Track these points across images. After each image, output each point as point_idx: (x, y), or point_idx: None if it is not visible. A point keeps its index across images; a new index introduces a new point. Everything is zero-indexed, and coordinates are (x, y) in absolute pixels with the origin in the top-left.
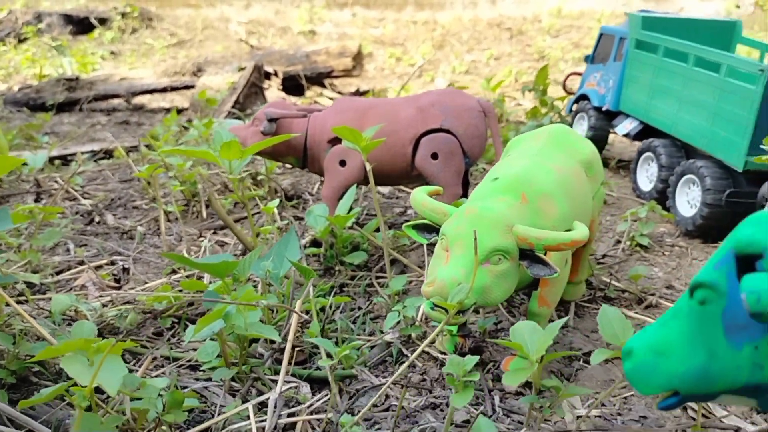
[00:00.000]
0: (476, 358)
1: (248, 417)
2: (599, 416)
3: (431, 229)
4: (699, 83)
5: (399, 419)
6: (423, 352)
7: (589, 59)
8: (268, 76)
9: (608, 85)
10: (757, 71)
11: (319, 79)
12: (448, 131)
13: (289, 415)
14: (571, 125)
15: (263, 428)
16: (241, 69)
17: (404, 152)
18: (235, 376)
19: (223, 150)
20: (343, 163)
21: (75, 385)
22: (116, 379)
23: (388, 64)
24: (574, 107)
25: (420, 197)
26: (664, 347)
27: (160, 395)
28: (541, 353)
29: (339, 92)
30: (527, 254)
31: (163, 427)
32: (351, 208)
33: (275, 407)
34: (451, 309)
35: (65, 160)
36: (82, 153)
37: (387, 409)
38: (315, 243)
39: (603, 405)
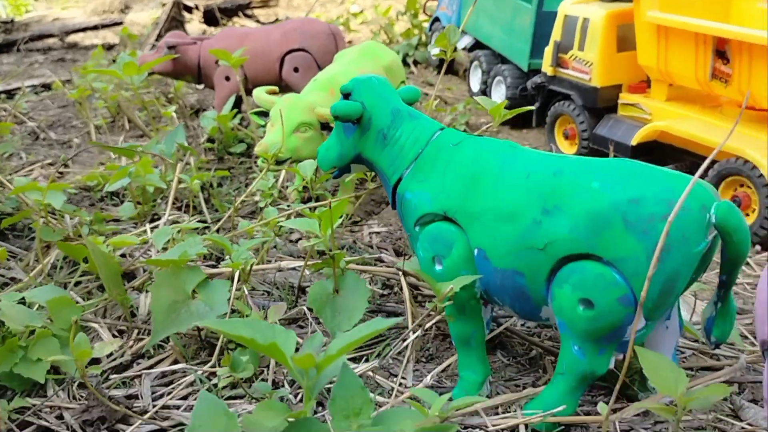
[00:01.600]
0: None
1: (145, 231)
2: None
3: (266, 114)
4: (503, 4)
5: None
6: (283, 208)
7: None
8: (189, 10)
9: (453, 8)
10: None
11: (239, 10)
12: (305, 50)
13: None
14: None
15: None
16: (164, 5)
17: (274, 67)
18: (141, 212)
19: (125, 68)
20: (227, 78)
21: None
22: (59, 200)
23: None
24: (433, 27)
25: (258, 93)
26: (327, 146)
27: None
28: None
29: (259, 21)
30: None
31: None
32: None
33: (165, 224)
34: (270, 159)
35: (9, 94)
36: (25, 86)
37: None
38: (210, 140)
39: None
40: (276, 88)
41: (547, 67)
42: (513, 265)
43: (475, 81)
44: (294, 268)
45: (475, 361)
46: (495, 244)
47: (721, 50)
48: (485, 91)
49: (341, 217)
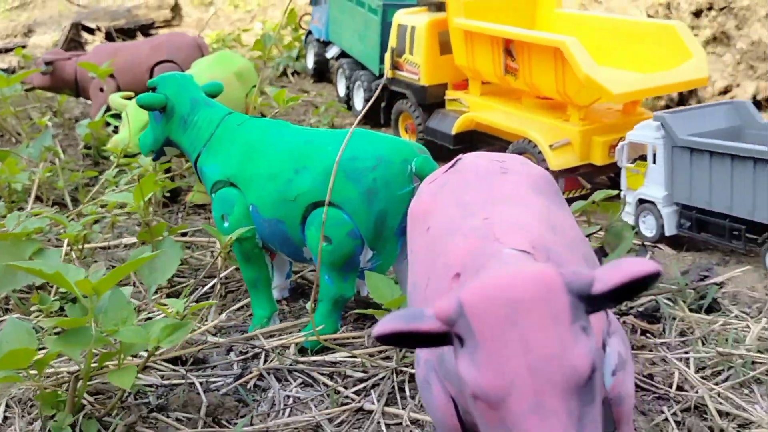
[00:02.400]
0: None
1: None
2: None
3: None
4: (357, 17)
5: None
6: None
7: (314, 2)
8: (92, 31)
9: (323, 21)
10: (379, 5)
11: (141, 30)
12: (172, 61)
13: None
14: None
15: None
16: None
17: (144, 78)
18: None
19: None
20: (102, 89)
21: None
22: None
23: (226, 10)
24: (307, 39)
25: (113, 97)
26: (145, 133)
27: None
28: None
29: None
30: None
31: None
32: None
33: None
34: (119, 153)
35: None
36: None
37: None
38: (87, 146)
39: None
40: (132, 93)
41: (387, 70)
42: (276, 215)
43: (341, 86)
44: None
45: (263, 300)
46: (263, 200)
47: (509, 49)
48: (349, 96)
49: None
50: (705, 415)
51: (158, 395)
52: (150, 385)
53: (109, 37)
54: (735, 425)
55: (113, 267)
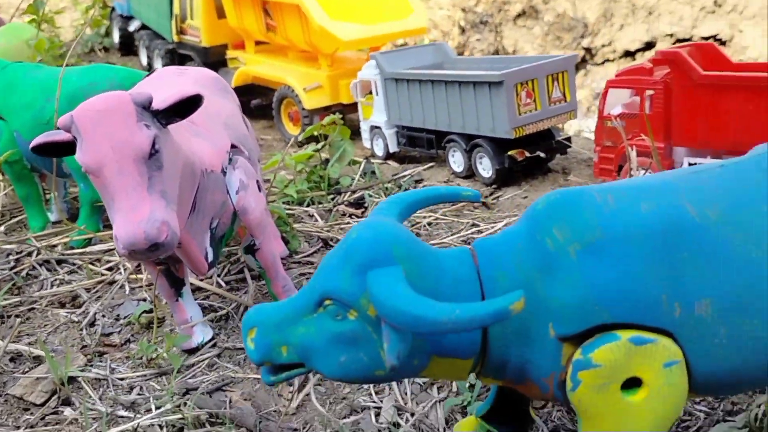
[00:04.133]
0: None
1: None
2: None
3: None
4: None
5: None
6: None
7: None
8: None
9: None
10: None
11: None
12: None
13: None
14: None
15: None
16: None
17: None
18: None
19: None
20: None
21: None
22: None
23: None
24: (112, 16)
25: None
26: None
27: None
28: None
29: None
30: None
31: None
32: None
33: None
34: None
35: None
36: None
37: None
38: None
39: None
40: None
41: (174, 35)
42: (31, 137)
43: (143, 56)
44: None
45: (36, 213)
46: (23, 126)
47: (267, 9)
48: (150, 64)
49: None
50: None
51: None
52: None
53: None
54: None
55: None
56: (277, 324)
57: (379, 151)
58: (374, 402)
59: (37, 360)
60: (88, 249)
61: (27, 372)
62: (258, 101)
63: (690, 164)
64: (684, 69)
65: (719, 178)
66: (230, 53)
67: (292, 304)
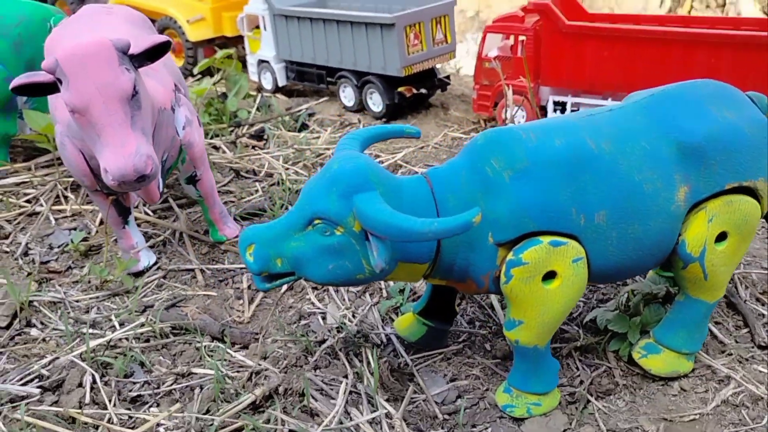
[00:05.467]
0: None
1: None
2: None
3: None
4: None
5: None
6: None
7: None
8: None
9: None
10: None
11: None
12: None
13: None
14: None
15: None
16: None
17: None
18: None
19: None
20: None
21: None
22: None
23: None
24: None
25: None
26: None
27: None
28: None
29: None
30: None
31: None
32: None
33: None
34: None
35: None
36: None
37: None
38: None
39: None
40: None
41: None
42: None
43: None
44: None
45: None
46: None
47: None
48: None
49: None
50: (281, 184)
51: None
52: None
53: None
54: (298, 186)
55: None
56: (272, 240)
57: (268, 85)
58: (319, 308)
59: None
60: (0, 182)
61: None
62: None
63: (554, 102)
64: (552, 18)
65: (609, 119)
66: None
67: (283, 223)
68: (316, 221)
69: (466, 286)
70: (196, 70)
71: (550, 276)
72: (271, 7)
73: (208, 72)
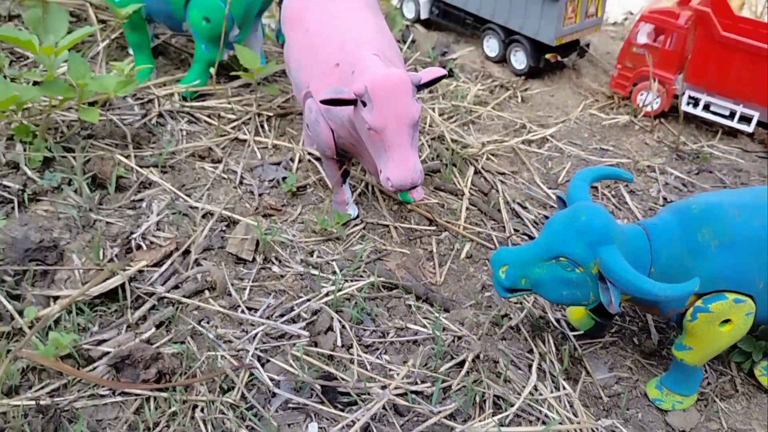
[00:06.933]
0: None
1: None
2: None
3: None
4: None
5: None
6: None
7: None
8: None
9: None
10: None
11: None
12: None
13: None
14: None
15: None
16: None
17: None
18: None
19: None
20: None
21: None
22: None
23: None
24: None
25: None
26: None
27: None
28: None
29: None
30: None
31: None
32: None
33: None
34: None
35: None
36: None
37: None
38: None
39: None
40: None
41: None
42: None
43: None
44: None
45: (145, 58)
46: None
47: None
48: None
49: None
50: (443, 142)
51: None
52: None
53: None
54: (459, 147)
55: None
56: (522, 264)
57: (409, 14)
58: None
59: (226, 219)
60: (203, 103)
61: (230, 232)
62: None
63: (689, 96)
64: (709, 26)
65: None
66: None
67: (531, 252)
68: (562, 258)
69: (649, 309)
70: None
71: (725, 321)
72: None
73: None
